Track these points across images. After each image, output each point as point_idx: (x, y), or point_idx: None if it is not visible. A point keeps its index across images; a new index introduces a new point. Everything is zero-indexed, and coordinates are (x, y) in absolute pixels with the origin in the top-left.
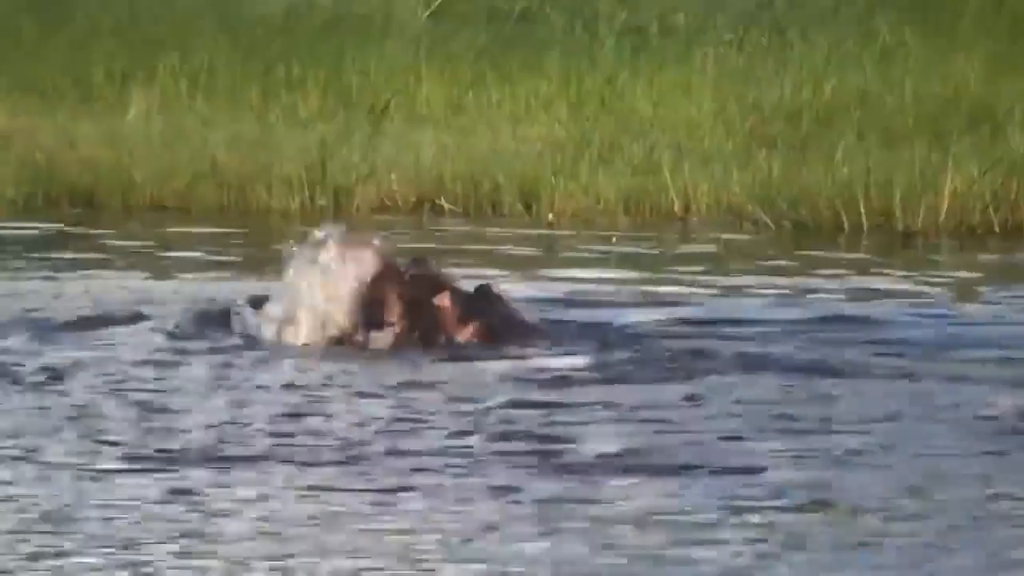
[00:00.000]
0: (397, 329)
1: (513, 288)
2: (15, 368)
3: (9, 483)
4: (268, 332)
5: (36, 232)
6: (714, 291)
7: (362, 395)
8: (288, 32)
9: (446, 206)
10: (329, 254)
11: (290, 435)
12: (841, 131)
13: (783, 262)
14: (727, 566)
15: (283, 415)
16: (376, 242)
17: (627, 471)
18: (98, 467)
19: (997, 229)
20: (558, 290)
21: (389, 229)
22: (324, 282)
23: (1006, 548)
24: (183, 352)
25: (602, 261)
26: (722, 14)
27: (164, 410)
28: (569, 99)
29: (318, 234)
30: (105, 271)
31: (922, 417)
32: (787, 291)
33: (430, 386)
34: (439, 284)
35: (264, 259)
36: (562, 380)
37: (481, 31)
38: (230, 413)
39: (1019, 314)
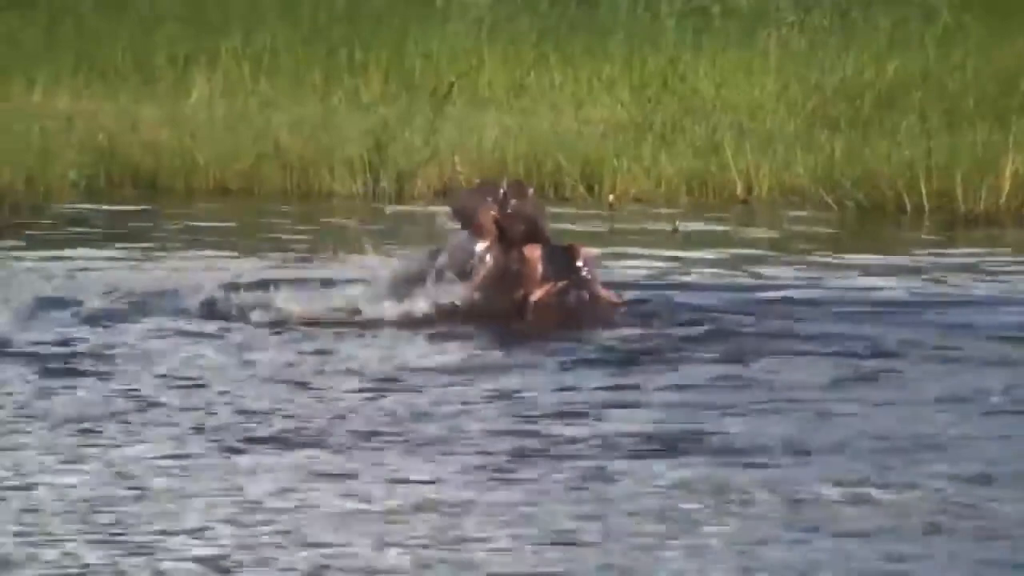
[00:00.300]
0: (488, 260)
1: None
2: (77, 352)
3: (75, 464)
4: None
5: (98, 213)
6: (777, 272)
7: (432, 376)
8: (351, 15)
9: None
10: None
11: (385, 415)
12: (903, 112)
13: (846, 243)
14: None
15: (366, 398)
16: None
17: (679, 451)
18: (174, 452)
19: None
20: (619, 271)
21: None
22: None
23: None
24: (244, 335)
25: (664, 242)
26: None
27: (236, 393)
28: (631, 81)
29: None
30: (169, 253)
31: (982, 403)
32: (850, 273)
33: (497, 368)
34: (533, 229)
35: (326, 241)
36: (625, 359)
37: (543, 13)
38: (298, 396)
39: None
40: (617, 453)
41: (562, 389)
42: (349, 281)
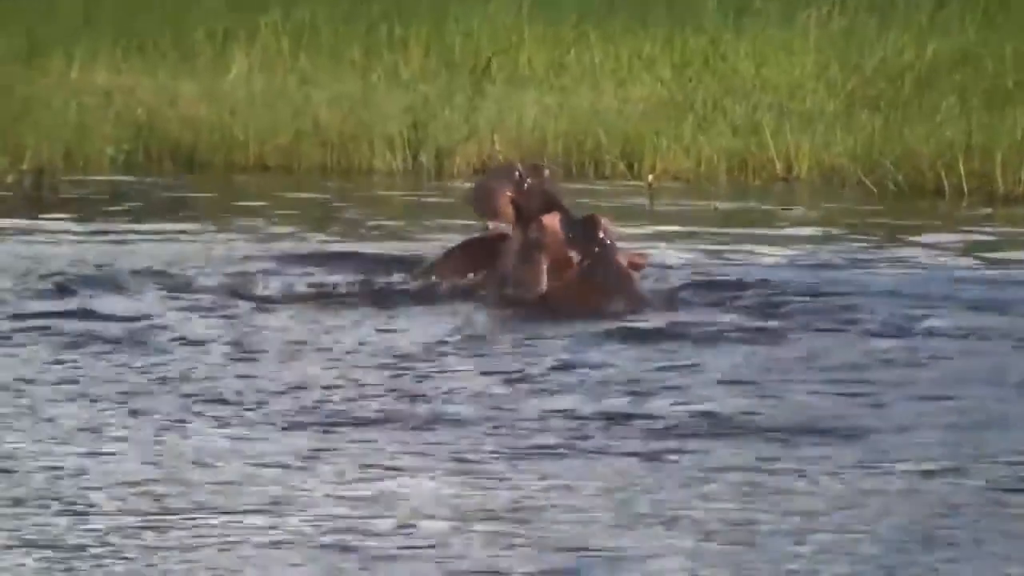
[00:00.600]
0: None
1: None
2: (116, 326)
3: (119, 438)
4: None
5: (137, 189)
6: (815, 251)
7: (464, 357)
8: None
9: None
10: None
11: (409, 396)
12: (942, 93)
13: (885, 223)
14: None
15: (392, 376)
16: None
17: (722, 433)
18: (216, 428)
19: None
20: (658, 250)
21: None
22: None
23: None
24: (285, 311)
25: (704, 221)
26: None
27: (276, 369)
28: (672, 60)
29: None
30: (207, 228)
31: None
32: (890, 254)
33: (525, 344)
34: (550, 204)
35: (367, 219)
36: (663, 339)
37: None
38: (334, 372)
39: None
40: (667, 433)
41: (606, 366)
42: (393, 259)
